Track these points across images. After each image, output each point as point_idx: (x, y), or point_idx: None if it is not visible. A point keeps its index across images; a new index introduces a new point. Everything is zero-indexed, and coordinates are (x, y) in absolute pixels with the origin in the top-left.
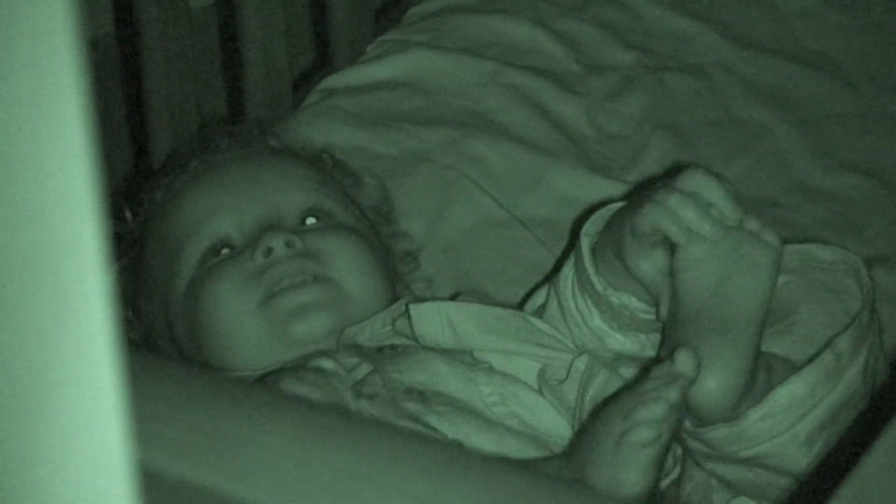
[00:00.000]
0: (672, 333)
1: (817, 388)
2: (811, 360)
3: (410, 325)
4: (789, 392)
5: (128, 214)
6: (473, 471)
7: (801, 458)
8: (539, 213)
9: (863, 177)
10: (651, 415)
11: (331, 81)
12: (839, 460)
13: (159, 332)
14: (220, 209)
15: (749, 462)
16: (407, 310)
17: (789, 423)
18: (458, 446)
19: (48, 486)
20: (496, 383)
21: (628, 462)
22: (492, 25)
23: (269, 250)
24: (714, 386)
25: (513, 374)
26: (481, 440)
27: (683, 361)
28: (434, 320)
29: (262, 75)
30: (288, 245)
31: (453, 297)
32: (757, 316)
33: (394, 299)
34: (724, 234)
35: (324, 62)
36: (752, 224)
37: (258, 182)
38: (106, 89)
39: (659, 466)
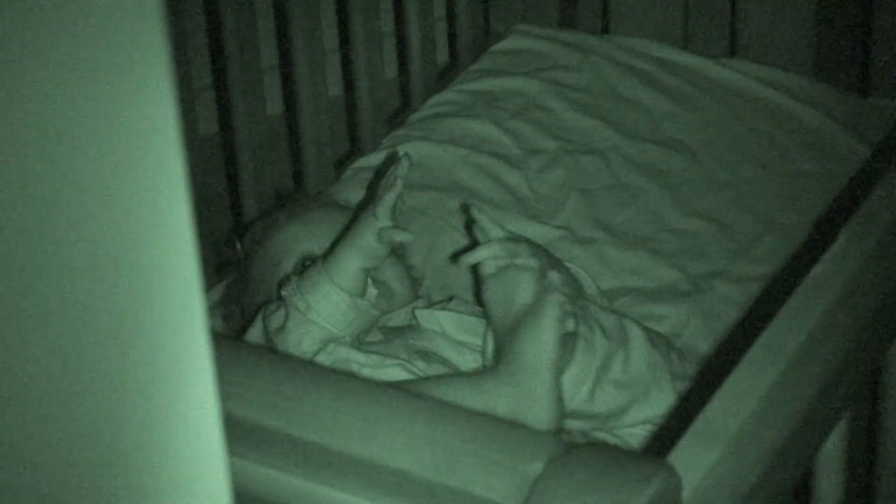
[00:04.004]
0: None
1: (585, 365)
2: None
3: (416, 322)
4: (570, 375)
5: (238, 245)
6: (448, 417)
7: (590, 407)
8: None
9: (705, 221)
10: (558, 296)
11: (360, 162)
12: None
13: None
14: (307, 235)
15: (572, 416)
16: (413, 314)
17: (573, 392)
18: (436, 400)
19: (159, 433)
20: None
21: (545, 329)
22: (464, 125)
23: None
24: (531, 414)
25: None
26: None
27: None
28: (431, 322)
29: (315, 159)
30: None
31: (449, 299)
32: (545, 365)
33: (415, 299)
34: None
35: (355, 149)
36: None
37: (329, 219)
38: (210, 172)
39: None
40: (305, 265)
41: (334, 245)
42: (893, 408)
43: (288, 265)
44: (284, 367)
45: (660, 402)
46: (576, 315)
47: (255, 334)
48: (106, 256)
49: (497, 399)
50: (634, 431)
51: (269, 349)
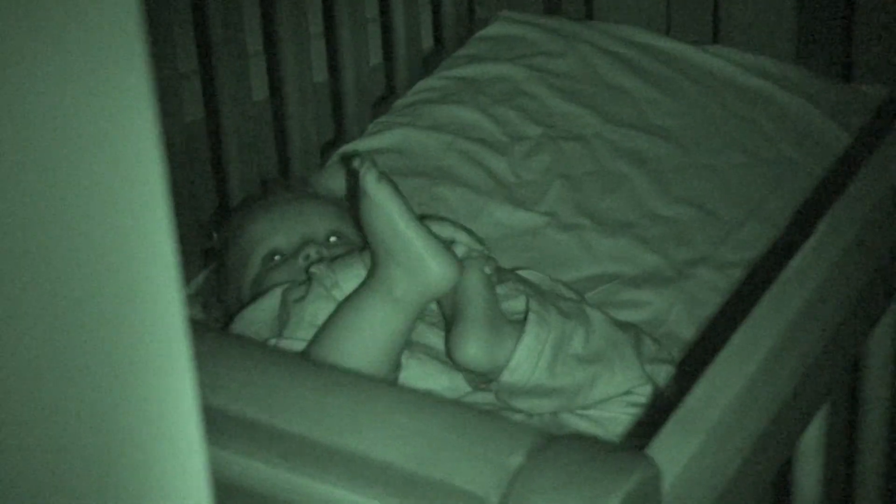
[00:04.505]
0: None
1: (540, 336)
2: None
3: None
4: (524, 346)
5: (214, 235)
6: (431, 409)
7: (552, 380)
8: (481, 233)
9: (689, 207)
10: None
11: (345, 149)
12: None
13: (233, 309)
14: (275, 230)
15: (529, 393)
16: None
17: (533, 364)
18: (419, 392)
19: (133, 427)
20: None
21: (375, 200)
22: (449, 111)
23: (308, 256)
24: (474, 350)
25: None
26: (439, 373)
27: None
28: None
29: (300, 145)
30: (319, 254)
31: None
32: (397, 220)
33: None
34: None
35: (340, 136)
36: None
37: (299, 214)
38: (196, 158)
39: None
40: (274, 259)
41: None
42: (873, 397)
43: (256, 259)
44: (268, 358)
45: (626, 377)
46: (527, 294)
47: (266, 305)
48: (80, 248)
49: (392, 284)
50: (610, 414)
51: (253, 341)
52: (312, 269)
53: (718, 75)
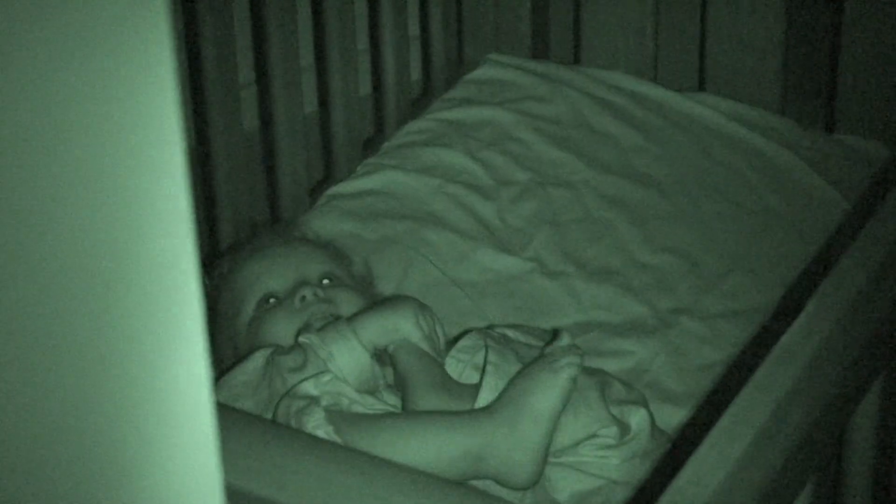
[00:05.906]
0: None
1: (498, 386)
2: None
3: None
4: (482, 399)
5: (205, 279)
6: (431, 491)
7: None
8: (467, 278)
9: (673, 256)
10: (574, 360)
11: (334, 190)
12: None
13: (226, 355)
14: (269, 273)
15: None
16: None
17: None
18: (421, 473)
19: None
20: None
21: (555, 384)
22: (437, 154)
23: (304, 298)
24: (522, 457)
25: None
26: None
27: (565, 339)
28: None
29: (289, 185)
30: (315, 295)
31: None
32: (548, 415)
33: None
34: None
35: (329, 177)
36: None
37: (292, 257)
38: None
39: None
40: (269, 302)
41: (368, 308)
42: (855, 473)
43: (251, 302)
44: (275, 435)
45: (590, 418)
46: (487, 345)
47: (250, 368)
48: (98, 244)
49: (490, 440)
50: (585, 459)
51: (260, 418)
52: (301, 339)
53: (704, 123)
